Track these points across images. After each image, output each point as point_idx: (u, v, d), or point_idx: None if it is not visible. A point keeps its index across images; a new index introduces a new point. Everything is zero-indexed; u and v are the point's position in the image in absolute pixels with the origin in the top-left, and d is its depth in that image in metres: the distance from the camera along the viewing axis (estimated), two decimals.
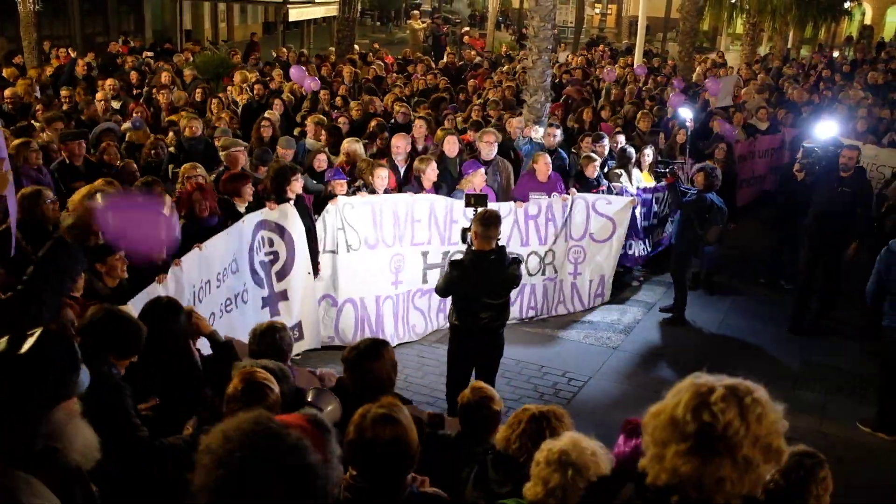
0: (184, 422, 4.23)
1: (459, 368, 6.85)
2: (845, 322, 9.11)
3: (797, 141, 13.06)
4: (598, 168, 10.05)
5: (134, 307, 5.12)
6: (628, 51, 26.55)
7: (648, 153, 11.02)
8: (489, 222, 6.54)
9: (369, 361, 4.33)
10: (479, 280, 6.56)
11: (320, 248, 8.14)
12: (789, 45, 34.32)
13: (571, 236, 9.58)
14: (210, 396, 4.38)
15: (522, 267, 9.14)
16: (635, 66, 19.73)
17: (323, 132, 10.53)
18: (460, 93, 15.37)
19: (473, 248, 6.62)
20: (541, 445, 3.28)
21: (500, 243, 6.72)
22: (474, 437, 4.23)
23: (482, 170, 9.11)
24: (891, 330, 7.27)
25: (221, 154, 8.91)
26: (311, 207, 8.22)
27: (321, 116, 10.90)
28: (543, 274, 9.49)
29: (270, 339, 4.75)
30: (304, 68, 14.10)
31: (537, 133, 10.67)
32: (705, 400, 2.06)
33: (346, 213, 8.13)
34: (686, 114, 12.18)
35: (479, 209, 6.95)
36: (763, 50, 32.49)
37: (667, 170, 9.91)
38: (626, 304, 10.17)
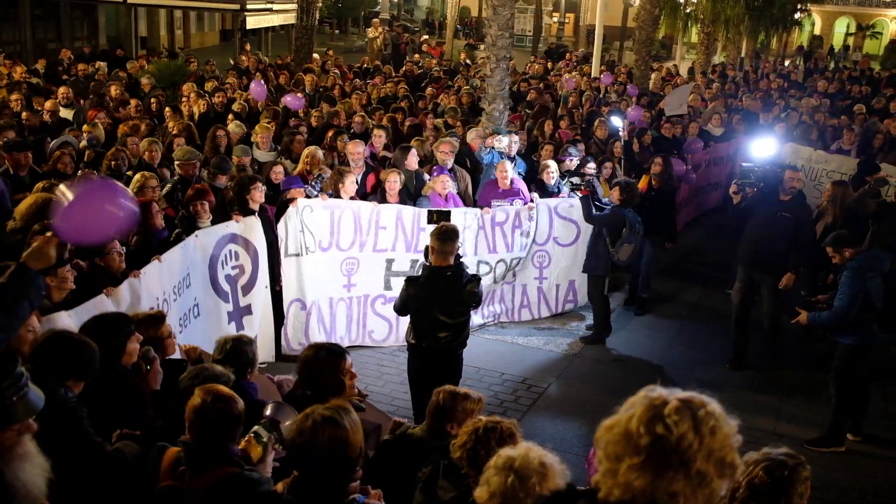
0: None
1: (421, 389, 6.55)
2: (792, 329, 9.08)
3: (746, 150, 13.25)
4: (554, 175, 10.08)
5: (76, 317, 5.03)
6: (586, 59, 26.85)
7: (608, 165, 11.12)
8: (445, 237, 6.36)
9: (318, 369, 4.29)
10: (436, 297, 6.39)
11: (282, 252, 8.12)
12: (743, 55, 35.02)
13: (535, 241, 9.64)
14: (152, 417, 4.26)
15: (490, 275, 9.17)
16: (602, 76, 19.87)
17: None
18: (419, 101, 15.40)
19: (430, 264, 6.48)
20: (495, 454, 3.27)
21: (460, 256, 6.60)
22: (439, 435, 4.25)
23: (444, 175, 9.16)
24: (853, 348, 7.17)
25: (176, 164, 8.80)
26: (274, 219, 8.19)
27: (267, 126, 10.78)
28: (504, 279, 9.53)
29: (235, 352, 4.71)
30: (262, 83, 13.88)
31: (501, 143, 10.65)
32: (659, 412, 2.02)
33: (304, 216, 8.13)
34: (618, 122, 11.84)
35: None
36: (717, 59, 33.05)
37: (582, 182, 9.45)
38: (587, 311, 10.21)
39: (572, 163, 10.72)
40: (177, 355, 5.21)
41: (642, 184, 10.39)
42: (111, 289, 5.68)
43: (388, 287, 8.77)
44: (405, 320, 8.74)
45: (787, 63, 36.98)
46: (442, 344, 6.51)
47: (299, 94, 13.68)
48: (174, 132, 10.58)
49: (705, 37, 28.62)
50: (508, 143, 10.70)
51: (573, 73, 21.73)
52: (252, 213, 7.78)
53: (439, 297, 6.40)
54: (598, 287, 9.32)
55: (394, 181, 8.86)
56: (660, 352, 9.27)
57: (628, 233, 8.88)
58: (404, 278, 8.55)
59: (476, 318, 9.01)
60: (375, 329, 8.89)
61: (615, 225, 8.95)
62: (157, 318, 5.01)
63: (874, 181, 9.85)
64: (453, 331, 6.52)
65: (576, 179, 9.70)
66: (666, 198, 10.47)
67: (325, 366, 4.29)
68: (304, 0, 19.98)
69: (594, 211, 9.11)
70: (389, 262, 8.72)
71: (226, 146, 10.06)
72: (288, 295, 8.30)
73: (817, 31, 59.68)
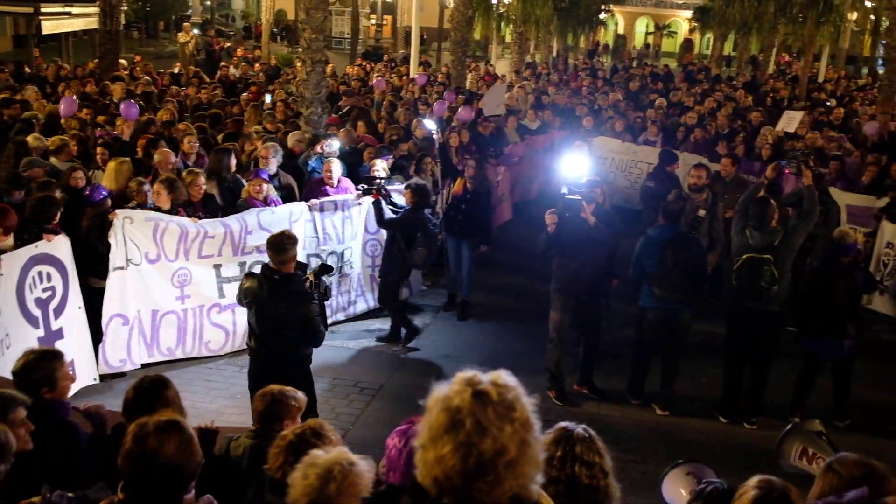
0: None
1: None
2: (620, 313, 9.48)
3: (563, 143, 13.85)
4: (381, 174, 10.01)
5: None
6: (405, 60, 27.13)
7: (427, 161, 11.24)
8: (279, 248, 6.29)
9: (149, 403, 4.05)
10: (273, 296, 6.26)
11: (110, 265, 7.75)
12: (554, 53, 36.60)
13: (367, 230, 9.64)
14: None
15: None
16: (416, 76, 20.11)
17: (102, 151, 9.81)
18: (234, 105, 14.98)
19: (269, 263, 6.38)
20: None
21: (330, 267, 6.62)
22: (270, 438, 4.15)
23: (260, 178, 9.04)
24: (643, 309, 8.03)
25: None
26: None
27: (64, 137, 10.09)
28: (341, 272, 9.48)
29: (29, 366, 4.31)
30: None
31: (332, 147, 10.54)
32: (468, 394, 2.10)
33: (126, 228, 7.78)
34: (431, 125, 11.75)
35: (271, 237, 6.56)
36: (530, 58, 34.35)
37: (372, 186, 9.10)
38: (414, 311, 10.30)
39: (388, 162, 10.75)
40: None
41: (457, 187, 10.49)
42: None
43: (222, 295, 8.55)
44: (241, 326, 8.61)
45: (602, 61, 39.08)
46: (287, 348, 6.41)
47: (132, 101, 12.77)
48: None
49: (518, 37, 29.65)
50: (338, 147, 10.63)
51: (388, 75, 21.95)
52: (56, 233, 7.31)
53: (277, 297, 6.27)
54: (391, 292, 9.24)
55: (201, 183, 8.56)
56: (487, 345, 9.49)
57: (423, 236, 8.87)
58: (238, 282, 8.45)
59: None
60: (212, 339, 8.64)
61: (409, 228, 8.91)
62: None
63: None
64: (293, 332, 6.37)
65: (364, 184, 9.44)
66: (481, 199, 10.44)
67: (155, 402, 4.04)
68: (107, 3, 18.90)
69: (388, 214, 9.06)
70: (217, 267, 8.50)
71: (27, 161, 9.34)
72: (108, 311, 7.87)
73: (621, 31, 63.31)
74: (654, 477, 6.84)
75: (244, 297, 6.51)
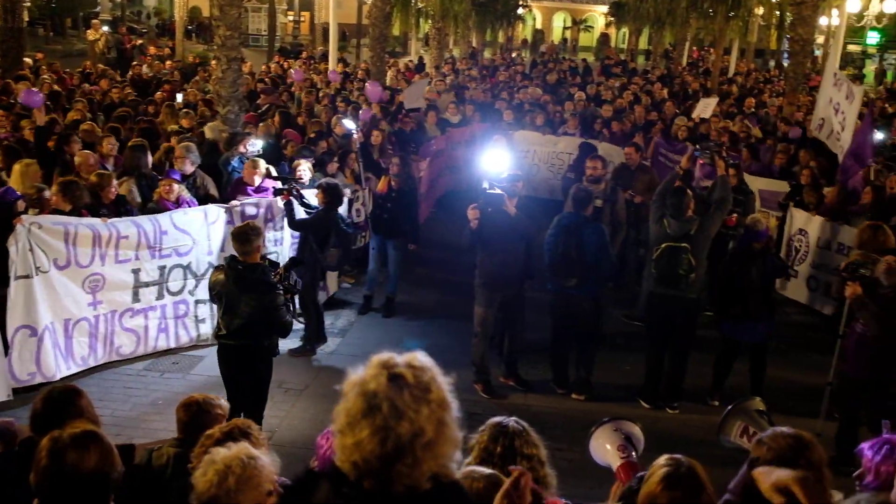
0: None
1: (228, 391, 6.50)
2: (540, 301, 9.60)
3: (484, 136, 13.92)
4: (305, 173, 9.89)
5: None
6: (324, 57, 26.90)
7: (352, 157, 11.17)
8: (242, 238, 6.36)
9: (60, 415, 3.90)
10: (241, 288, 6.28)
11: (11, 274, 7.38)
12: (474, 47, 36.78)
13: (293, 235, 9.50)
14: None
15: None
16: (329, 72, 19.99)
17: None
18: (148, 105, 14.59)
19: (236, 255, 6.43)
20: None
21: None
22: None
23: (170, 178, 8.88)
24: (550, 294, 8.27)
25: None
26: None
27: None
28: None
29: None
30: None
31: (255, 146, 10.32)
32: (384, 378, 2.12)
33: (33, 234, 7.45)
34: (350, 125, 11.47)
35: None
36: (448, 54, 34.47)
37: (285, 186, 8.89)
38: (339, 308, 10.24)
39: (311, 161, 10.63)
40: None
41: (382, 185, 10.37)
42: None
43: (136, 299, 8.35)
44: (153, 330, 8.54)
45: (516, 55, 39.44)
46: (252, 337, 6.40)
47: (34, 88, 12.22)
48: None
49: (437, 32, 29.71)
50: (261, 147, 10.45)
51: (302, 67, 21.78)
52: None
53: (242, 287, 6.29)
54: (309, 295, 8.96)
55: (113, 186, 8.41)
56: (413, 338, 9.45)
57: (336, 237, 8.77)
58: (165, 280, 8.33)
59: None
60: (123, 343, 8.40)
61: (321, 229, 8.78)
62: None
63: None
64: (259, 322, 6.37)
65: (278, 184, 9.18)
66: (406, 198, 10.31)
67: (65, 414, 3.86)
68: None
69: (299, 216, 8.89)
70: (136, 272, 8.27)
71: None
72: (13, 322, 7.49)
73: (539, 26, 64.10)
74: (580, 463, 6.95)
75: (212, 290, 6.57)
